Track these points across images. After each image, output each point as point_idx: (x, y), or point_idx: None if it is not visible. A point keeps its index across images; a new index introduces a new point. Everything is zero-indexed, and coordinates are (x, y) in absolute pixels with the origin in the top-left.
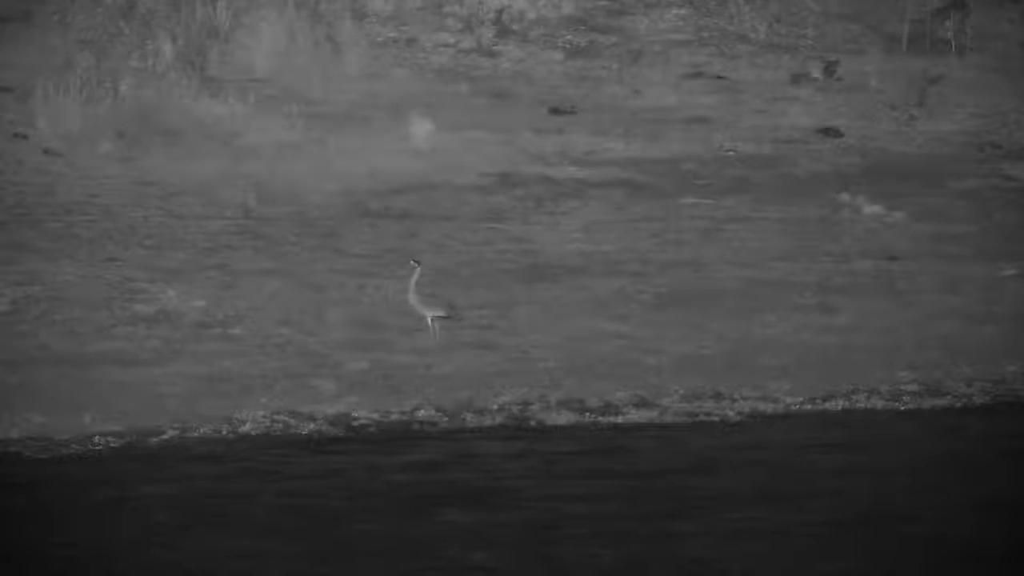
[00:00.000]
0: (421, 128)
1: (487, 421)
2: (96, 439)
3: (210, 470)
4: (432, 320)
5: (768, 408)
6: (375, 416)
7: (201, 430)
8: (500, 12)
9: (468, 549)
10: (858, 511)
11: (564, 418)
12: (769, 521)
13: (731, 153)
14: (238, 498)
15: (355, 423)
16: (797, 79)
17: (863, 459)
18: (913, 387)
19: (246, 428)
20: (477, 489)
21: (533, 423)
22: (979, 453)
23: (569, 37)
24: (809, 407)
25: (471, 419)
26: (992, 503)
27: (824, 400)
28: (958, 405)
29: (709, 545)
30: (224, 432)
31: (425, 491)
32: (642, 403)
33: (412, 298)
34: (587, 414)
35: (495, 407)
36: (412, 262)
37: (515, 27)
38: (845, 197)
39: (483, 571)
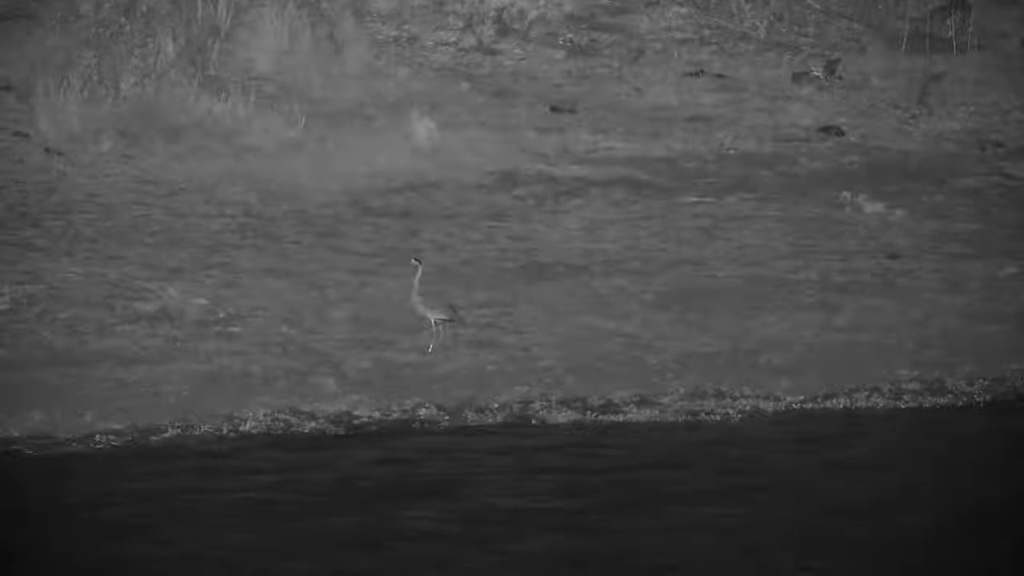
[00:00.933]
0: (422, 126)
1: (488, 419)
2: (97, 437)
3: (211, 468)
4: (435, 323)
5: (769, 406)
6: (376, 415)
7: (202, 428)
8: (501, 10)
9: (439, 543)
10: (857, 509)
11: (565, 416)
12: (767, 518)
13: (732, 152)
14: (238, 496)
15: (356, 421)
16: (798, 78)
17: (864, 457)
18: (914, 385)
19: (247, 427)
20: (453, 483)
21: (534, 422)
22: (980, 452)
23: (570, 35)
24: (810, 405)
25: (472, 417)
26: (992, 503)
27: (825, 398)
28: (959, 403)
29: (706, 542)
30: (225, 431)
31: (420, 489)
32: (643, 402)
33: (415, 299)
34: (588, 412)
35: (496, 405)
36: (414, 260)
37: (516, 26)
38: (846, 195)
39: (452, 563)
